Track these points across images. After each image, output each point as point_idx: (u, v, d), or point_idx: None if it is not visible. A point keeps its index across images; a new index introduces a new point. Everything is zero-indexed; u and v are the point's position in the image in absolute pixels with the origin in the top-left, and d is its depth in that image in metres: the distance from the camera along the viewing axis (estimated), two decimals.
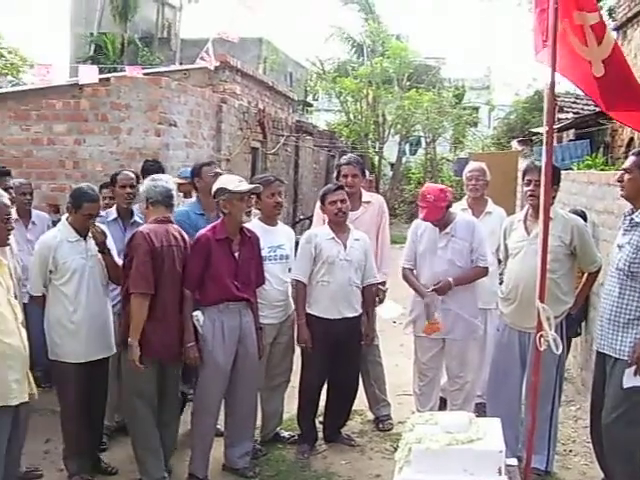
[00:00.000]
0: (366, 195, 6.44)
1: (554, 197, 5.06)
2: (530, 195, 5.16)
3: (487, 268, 5.65)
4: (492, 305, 5.90)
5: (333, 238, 5.60)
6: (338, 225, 5.65)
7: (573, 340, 7.14)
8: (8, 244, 4.46)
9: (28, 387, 4.28)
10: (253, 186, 5.23)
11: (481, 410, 5.82)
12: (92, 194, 5.03)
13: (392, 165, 29.88)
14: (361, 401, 6.44)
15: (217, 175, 5.63)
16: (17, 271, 5.04)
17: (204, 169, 5.88)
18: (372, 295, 5.85)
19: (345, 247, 5.59)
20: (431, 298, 5.51)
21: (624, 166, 4.64)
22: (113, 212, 5.89)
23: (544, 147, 4.14)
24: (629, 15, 13.42)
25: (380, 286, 6.17)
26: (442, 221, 5.59)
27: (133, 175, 5.96)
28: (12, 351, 4.10)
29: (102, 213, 5.53)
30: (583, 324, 6.84)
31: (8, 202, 4.20)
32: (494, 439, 3.74)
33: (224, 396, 5.25)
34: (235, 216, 5.06)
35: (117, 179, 5.89)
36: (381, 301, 6.30)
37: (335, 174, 6.56)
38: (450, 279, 5.49)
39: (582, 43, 4.14)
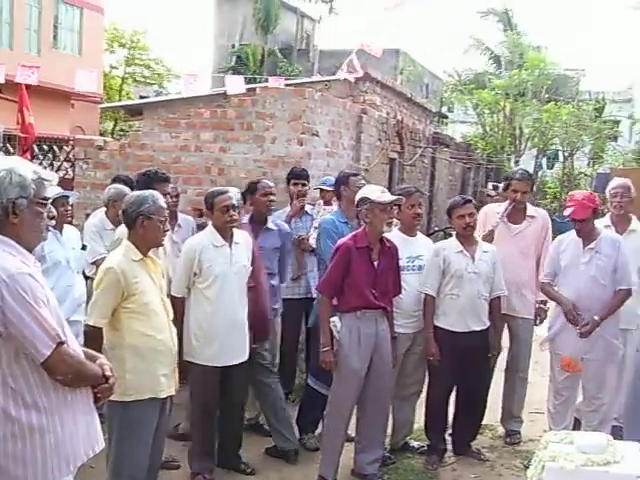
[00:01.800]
0: (531, 209, 6.40)
1: None
2: None
3: (630, 290, 5.53)
4: (633, 326, 5.76)
5: (461, 251, 5.62)
6: (466, 238, 5.66)
7: None
8: (163, 245, 4.71)
9: (174, 382, 4.50)
10: (395, 197, 5.29)
11: (617, 434, 5.66)
12: (220, 189, 5.33)
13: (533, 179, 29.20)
14: (493, 416, 6.41)
15: (363, 186, 5.77)
16: (169, 271, 5.30)
17: (351, 179, 6.01)
18: (499, 307, 5.82)
19: (473, 260, 5.61)
20: (573, 308, 5.47)
21: None
22: (245, 218, 6.12)
23: None
24: None
25: (542, 305, 6.17)
26: (588, 226, 5.51)
27: (273, 184, 6.20)
28: (163, 347, 4.30)
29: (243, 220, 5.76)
30: None
31: (165, 205, 4.44)
32: (632, 463, 3.67)
33: (357, 402, 5.33)
34: (376, 226, 5.14)
35: (258, 187, 6.12)
36: (542, 320, 6.28)
37: (504, 186, 6.55)
38: (596, 317, 5.41)
39: None
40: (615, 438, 5.03)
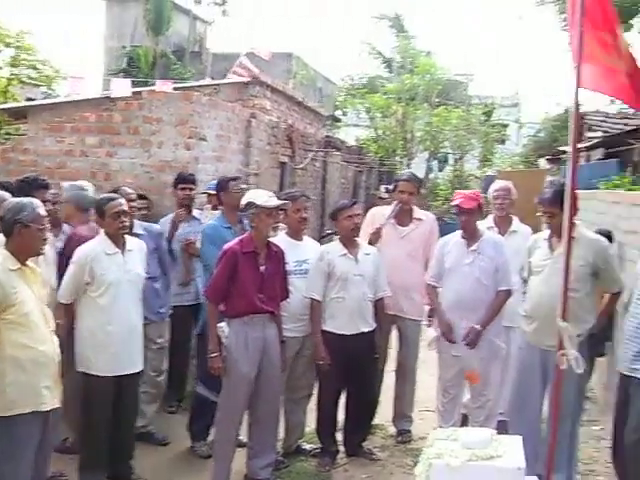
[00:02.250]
0: (418, 212, 6.50)
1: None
2: (547, 223, 5.24)
3: (510, 290, 5.70)
4: (515, 324, 5.93)
5: (345, 254, 5.67)
6: (350, 240, 5.72)
7: (597, 360, 7.12)
8: (42, 253, 4.56)
9: (57, 393, 4.36)
10: (281, 202, 5.30)
11: (503, 428, 5.83)
12: (110, 195, 5.24)
13: (420, 181, 29.73)
14: (383, 416, 6.49)
15: (243, 190, 5.78)
16: (52, 280, 5.14)
17: (230, 184, 5.98)
18: (383, 308, 5.90)
19: (357, 262, 5.66)
20: (447, 325, 5.66)
21: None
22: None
23: (569, 167, 4.18)
24: None
25: (429, 306, 6.26)
26: (473, 220, 5.68)
27: (132, 190, 6.11)
28: (45, 358, 4.17)
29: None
30: (607, 344, 6.81)
31: (44, 213, 4.30)
32: (514, 456, 3.77)
33: (248, 407, 5.31)
34: (262, 230, 5.14)
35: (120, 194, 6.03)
36: (430, 322, 6.37)
37: (391, 188, 6.63)
38: (477, 326, 5.58)
39: (614, 57, 4.20)
40: (501, 432, 5.19)
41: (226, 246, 5.21)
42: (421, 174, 28.99)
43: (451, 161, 31.23)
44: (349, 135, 30.13)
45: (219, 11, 33.08)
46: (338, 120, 30.24)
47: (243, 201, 5.23)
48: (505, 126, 34.15)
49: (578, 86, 4.17)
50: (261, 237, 5.17)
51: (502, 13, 78.87)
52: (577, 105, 4.09)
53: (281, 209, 5.40)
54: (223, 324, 5.13)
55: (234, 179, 6.12)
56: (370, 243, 6.02)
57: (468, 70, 34.01)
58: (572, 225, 4.43)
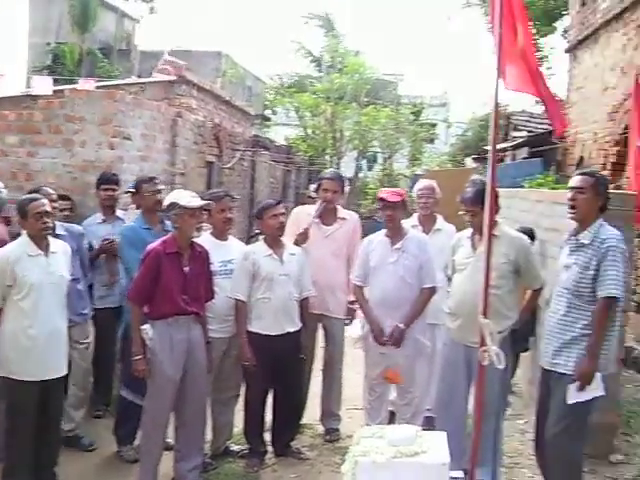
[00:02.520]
0: (342, 211, 6.51)
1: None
2: (469, 221, 5.32)
3: (434, 287, 5.75)
4: (440, 321, 6.00)
5: (270, 254, 5.66)
6: (275, 240, 5.72)
7: (521, 355, 7.26)
8: None
9: None
10: (204, 202, 5.25)
11: (431, 424, 5.89)
12: (32, 195, 5.13)
13: (350, 180, 30.02)
14: (311, 415, 6.50)
15: (158, 192, 5.77)
16: None
17: (144, 186, 5.94)
18: (308, 308, 5.92)
19: (282, 262, 5.66)
20: (377, 325, 5.67)
21: (576, 185, 4.70)
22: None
23: (489, 167, 4.24)
24: (580, 38, 13.73)
25: (352, 305, 6.26)
26: (398, 215, 5.71)
27: (53, 191, 5.98)
28: None
29: None
30: (531, 339, 6.95)
31: None
32: (439, 452, 3.81)
33: (174, 409, 5.24)
34: (186, 231, 5.09)
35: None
36: (352, 320, 6.38)
37: (315, 186, 6.60)
38: (401, 325, 5.61)
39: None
40: (429, 428, 5.26)
41: (149, 247, 5.14)
42: (350, 173, 29.23)
43: (380, 160, 31.50)
44: (279, 134, 30.13)
45: (147, 8, 32.70)
46: (268, 119, 30.22)
47: (166, 201, 5.18)
48: (434, 125, 34.64)
49: (498, 86, 4.22)
50: (184, 238, 5.12)
51: (431, 14, 79.86)
52: (497, 105, 4.14)
53: (205, 209, 5.35)
54: (147, 326, 5.05)
55: (148, 181, 6.02)
56: (297, 243, 6.02)
57: (397, 70, 34.35)
58: (493, 223, 4.50)
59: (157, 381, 5.09)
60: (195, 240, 5.31)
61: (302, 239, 6.08)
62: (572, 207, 4.70)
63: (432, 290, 5.73)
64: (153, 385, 5.12)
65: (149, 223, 5.82)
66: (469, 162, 21.82)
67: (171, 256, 5.07)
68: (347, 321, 6.42)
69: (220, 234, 5.75)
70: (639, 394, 7.21)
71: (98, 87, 10.49)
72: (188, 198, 5.10)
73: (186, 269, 5.12)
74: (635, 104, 8.32)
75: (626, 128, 8.84)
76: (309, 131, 28.26)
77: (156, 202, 5.77)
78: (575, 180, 4.75)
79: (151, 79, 12.25)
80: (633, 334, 9.38)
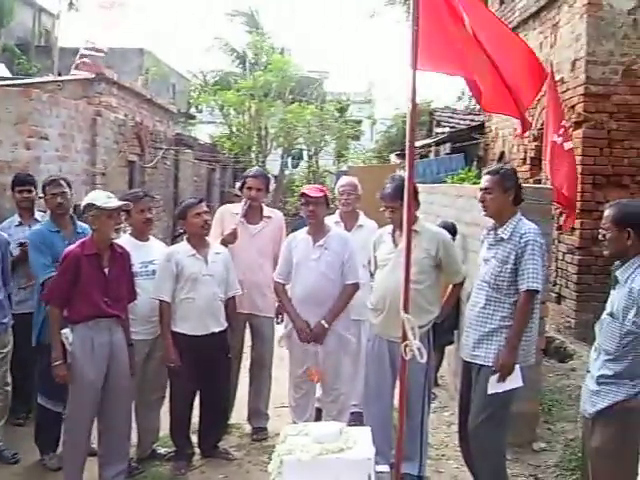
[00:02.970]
0: (267, 210, 6.49)
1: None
2: (389, 217, 5.36)
3: (357, 284, 5.78)
4: (365, 316, 6.04)
5: (194, 254, 5.60)
6: (199, 240, 5.66)
7: (446, 348, 7.37)
8: None
9: None
10: (121, 203, 5.17)
11: (359, 419, 5.93)
12: None
13: (275, 177, 30.02)
14: (239, 415, 6.47)
15: (61, 194, 5.71)
16: None
17: (46, 188, 5.86)
18: (235, 307, 5.88)
19: (207, 262, 5.61)
20: (300, 323, 5.68)
21: (483, 186, 4.81)
22: None
23: (407, 163, 4.27)
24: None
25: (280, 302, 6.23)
26: (320, 211, 5.73)
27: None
28: None
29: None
30: (456, 332, 7.06)
31: None
32: (364, 447, 3.83)
33: (97, 414, 5.15)
34: (104, 232, 5.01)
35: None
36: (282, 319, 6.35)
37: (240, 185, 6.57)
38: (323, 322, 5.62)
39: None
40: (356, 424, 5.29)
41: (68, 249, 5.05)
42: (276, 170, 29.24)
43: (306, 157, 31.55)
44: (203, 132, 29.89)
45: (65, 4, 31.96)
46: (192, 117, 29.93)
47: (83, 203, 5.08)
48: (359, 122, 34.79)
49: (415, 70, 4.21)
50: (103, 239, 5.03)
51: (355, 11, 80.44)
52: (414, 101, 4.17)
53: (124, 210, 5.26)
54: (66, 330, 4.95)
55: (50, 183, 5.91)
56: (224, 243, 5.97)
57: (322, 67, 34.38)
58: (413, 219, 4.54)
59: (78, 386, 4.99)
60: (115, 241, 5.22)
61: (231, 239, 6.04)
62: (484, 207, 4.81)
63: (355, 286, 5.76)
64: (74, 390, 5.02)
65: (58, 226, 5.73)
66: (393, 158, 22.02)
67: (90, 258, 4.97)
68: (278, 320, 6.39)
69: (140, 235, 5.67)
70: (560, 383, 7.37)
71: (14, 85, 10.20)
72: (105, 199, 5.02)
73: (106, 270, 5.04)
74: (549, 100, 8.52)
75: (543, 124, 9.06)
76: (234, 129, 28.11)
77: (58, 204, 5.68)
78: (482, 181, 4.89)
79: (69, 77, 11.94)
80: (554, 324, 9.63)
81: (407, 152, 4.16)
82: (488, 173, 4.87)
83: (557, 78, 9.92)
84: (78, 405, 5.05)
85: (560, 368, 7.96)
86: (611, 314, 3.88)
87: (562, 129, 8.29)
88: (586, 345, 8.13)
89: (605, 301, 4.06)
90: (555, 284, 10.12)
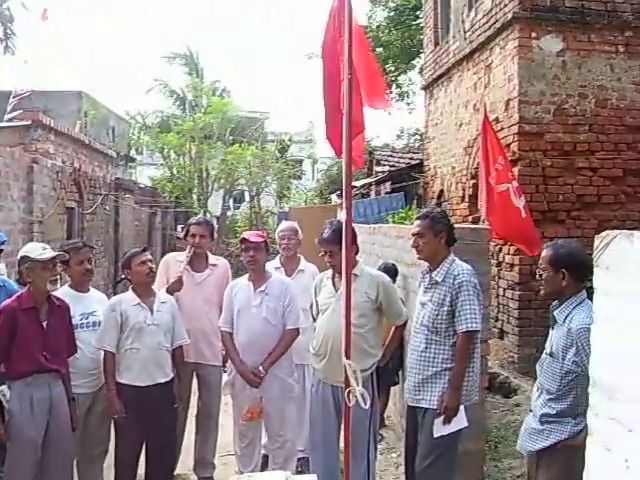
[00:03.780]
0: (212, 258, 6.45)
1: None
2: (328, 262, 5.39)
3: (297, 329, 5.77)
4: (308, 361, 6.02)
5: (139, 303, 5.52)
6: (145, 289, 5.59)
7: (392, 388, 7.37)
8: None
9: None
10: (56, 254, 5.09)
11: (306, 465, 5.88)
12: None
13: (217, 218, 29.89)
14: (185, 465, 6.37)
15: None
16: None
17: None
18: (182, 356, 5.79)
19: (152, 311, 5.54)
20: (243, 370, 5.62)
21: (414, 231, 4.91)
22: None
23: (344, 206, 4.29)
24: (434, 76, 14.29)
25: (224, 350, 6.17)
26: (260, 256, 5.71)
27: None
28: None
29: None
30: (400, 373, 7.07)
31: None
32: None
33: (37, 471, 4.98)
34: (40, 285, 4.92)
35: None
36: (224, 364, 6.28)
37: (184, 233, 6.52)
38: (261, 367, 5.59)
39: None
40: (303, 470, 5.24)
41: (3, 304, 4.95)
42: (218, 212, 29.17)
43: (248, 198, 31.53)
44: (144, 174, 29.71)
45: (1, 47, 31.60)
46: (133, 159, 29.74)
47: (18, 255, 4.99)
48: (300, 162, 34.99)
49: (350, 115, 4.30)
50: (40, 292, 4.94)
51: (294, 53, 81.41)
52: (349, 149, 4.20)
53: (62, 261, 5.18)
54: (3, 387, 4.83)
55: None
56: (170, 292, 5.92)
57: (263, 107, 34.57)
58: (352, 262, 4.56)
59: (17, 445, 4.85)
60: (53, 293, 5.12)
61: (177, 287, 5.99)
62: (417, 251, 4.89)
63: (295, 332, 5.75)
64: (13, 449, 4.86)
65: None
66: (334, 198, 22.17)
67: (27, 311, 4.88)
68: (225, 368, 6.32)
69: (80, 286, 5.57)
70: (505, 419, 7.43)
71: None
72: (39, 250, 4.94)
73: (44, 324, 4.95)
74: (484, 142, 8.69)
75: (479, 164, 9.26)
76: (174, 171, 27.98)
77: None
78: (414, 225, 4.99)
79: (4, 124, 11.76)
80: (497, 360, 9.73)
81: (344, 198, 4.19)
82: (418, 218, 4.97)
83: (492, 118, 10.18)
84: (17, 464, 4.89)
85: (505, 404, 8.03)
86: (551, 354, 3.95)
87: (495, 172, 8.43)
88: (530, 379, 8.23)
89: (546, 335, 4.15)
90: (497, 319, 10.25)
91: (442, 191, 13.77)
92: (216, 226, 29.77)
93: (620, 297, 2.77)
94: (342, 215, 4.27)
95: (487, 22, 10.97)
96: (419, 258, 4.94)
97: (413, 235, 4.89)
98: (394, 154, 21.26)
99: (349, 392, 4.24)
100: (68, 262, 5.37)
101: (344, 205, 4.28)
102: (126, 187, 17.28)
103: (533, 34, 9.76)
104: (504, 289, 10.12)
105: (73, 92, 25.78)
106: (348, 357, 4.20)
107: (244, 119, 30.79)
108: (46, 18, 11.10)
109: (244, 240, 5.75)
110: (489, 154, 8.46)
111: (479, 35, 11.33)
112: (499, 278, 10.18)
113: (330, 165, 31.90)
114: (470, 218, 11.42)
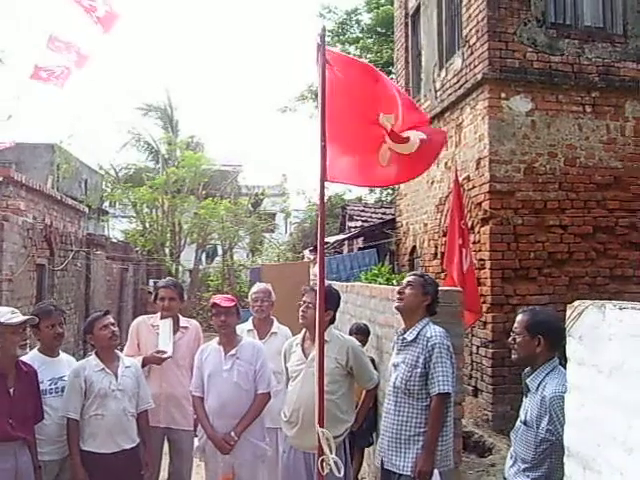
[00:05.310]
0: (183, 320, 6.38)
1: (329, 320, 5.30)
2: (301, 314, 5.37)
3: (269, 393, 5.70)
4: (281, 424, 5.94)
5: (103, 369, 5.41)
6: (108, 352, 5.49)
7: (366, 449, 7.30)
8: None
9: None
10: (25, 318, 4.99)
11: None
12: None
13: (190, 272, 29.76)
14: None
15: None
16: None
17: None
18: (147, 421, 5.67)
19: (117, 376, 5.43)
20: (214, 435, 5.53)
21: (406, 280, 4.96)
22: None
23: (318, 264, 4.30)
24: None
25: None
26: (232, 320, 5.66)
27: None
28: None
29: None
30: (374, 434, 7.01)
31: None
32: None
33: None
34: (8, 350, 4.79)
35: None
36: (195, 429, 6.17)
37: (153, 296, 6.47)
38: (233, 433, 5.49)
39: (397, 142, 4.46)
40: None
41: None
42: (190, 266, 29.07)
43: (220, 252, 31.49)
44: (116, 228, 29.60)
45: None
46: (105, 212, 29.67)
47: None
48: (273, 216, 35.10)
49: (324, 179, 4.35)
50: (8, 357, 4.82)
51: (268, 105, 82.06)
52: (322, 213, 4.23)
53: (31, 325, 5.10)
54: None
55: None
56: (146, 363, 5.89)
57: (236, 161, 34.68)
58: (324, 328, 4.55)
59: None
60: (22, 358, 5.01)
61: (155, 361, 5.97)
62: (400, 298, 4.89)
63: (266, 396, 5.68)
64: None
65: None
66: (307, 254, 22.20)
67: None
68: (196, 433, 6.20)
69: (49, 350, 5.44)
70: (481, 479, 7.36)
71: None
72: (8, 315, 4.84)
73: (11, 390, 4.82)
74: (453, 199, 8.76)
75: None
76: (147, 225, 27.91)
77: None
78: (407, 277, 5.04)
79: None
80: (472, 418, 9.68)
81: (318, 259, 4.19)
82: (414, 274, 5.01)
83: (463, 176, 10.30)
84: None
85: (480, 464, 7.96)
86: (525, 422, 3.93)
87: (459, 231, 8.54)
88: (504, 438, 8.18)
89: (521, 393, 4.13)
90: (471, 377, 10.23)
91: (414, 247, 13.83)
92: (189, 280, 29.86)
93: (593, 368, 2.78)
94: (316, 270, 4.28)
95: (457, 82, 11.17)
96: (397, 307, 4.93)
97: (403, 284, 4.92)
98: (366, 209, 21.38)
99: (322, 461, 4.19)
100: (38, 325, 5.28)
101: (318, 268, 4.30)
102: (98, 242, 17.17)
103: (503, 94, 9.93)
104: (477, 347, 10.12)
105: (46, 145, 25.81)
106: (322, 425, 4.16)
107: (217, 173, 30.92)
108: (38, 77, 11.03)
109: (215, 305, 5.70)
110: (452, 215, 8.59)
111: (450, 94, 11.51)
112: (472, 336, 10.19)
113: (303, 219, 32.00)
114: (442, 275, 11.46)
